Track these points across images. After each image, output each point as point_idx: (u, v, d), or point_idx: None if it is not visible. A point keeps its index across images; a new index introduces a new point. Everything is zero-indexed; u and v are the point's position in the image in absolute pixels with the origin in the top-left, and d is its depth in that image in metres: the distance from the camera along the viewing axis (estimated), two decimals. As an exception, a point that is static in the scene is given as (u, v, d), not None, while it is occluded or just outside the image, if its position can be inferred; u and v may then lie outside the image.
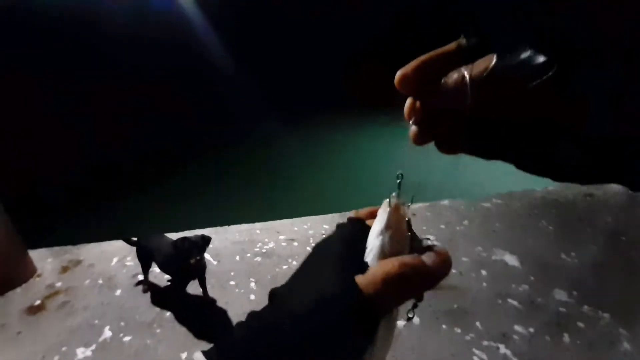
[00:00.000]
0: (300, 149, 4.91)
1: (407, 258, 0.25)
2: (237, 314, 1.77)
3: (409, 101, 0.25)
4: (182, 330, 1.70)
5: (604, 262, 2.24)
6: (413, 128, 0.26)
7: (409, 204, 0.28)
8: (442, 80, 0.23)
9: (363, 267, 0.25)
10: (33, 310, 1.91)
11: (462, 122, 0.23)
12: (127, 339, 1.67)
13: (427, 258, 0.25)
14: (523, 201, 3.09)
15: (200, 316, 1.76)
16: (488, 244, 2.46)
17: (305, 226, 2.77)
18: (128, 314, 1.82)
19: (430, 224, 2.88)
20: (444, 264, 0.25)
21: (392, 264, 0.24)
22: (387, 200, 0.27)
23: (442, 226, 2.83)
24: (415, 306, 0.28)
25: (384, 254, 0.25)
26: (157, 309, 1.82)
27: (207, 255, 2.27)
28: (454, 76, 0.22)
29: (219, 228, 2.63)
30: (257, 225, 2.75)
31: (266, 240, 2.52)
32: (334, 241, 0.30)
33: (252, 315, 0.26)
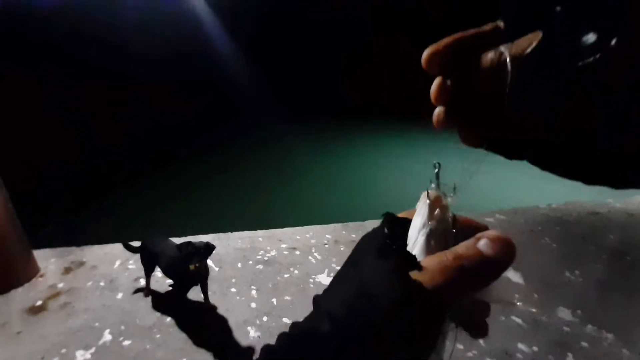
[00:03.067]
0: (305, 158, 4.95)
1: (460, 249, 0.22)
2: (237, 321, 1.77)
3: (437, 80, 0.23)
4: (182, 336, 1.70)
5: (608, 281, 2.21)
6: (438, 110, 0.24)
7: (452, 194, 0.25)
8: (477, 61, 0.21)
9: (409, 262, 0.23)
10: (34, 310, 1.91)
11: (497, 107, 0.20)
12: (126, 342, 1.67)
13: (485, 247, 0.22)
14: (527, 217, 3.08)
15: (201, 322, 1.75)
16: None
17: (307, 235, 2.77)
18: (128, 318, 1.82)
19: (432, 237, 2.86)
20: (506, 251, 0.22)
21: (445, 257, 0.22)
22: (426, 192, 0.25)
23: (445, 240, 2.81)
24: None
25: (430, 250, 0.23)
26: (158, 314, 1.82)
27: (209, 262, 2.27)
28: (490, 55, 0.20)
29: (221, 234, 2.63)
30: (259, 232, 2.76)
31: (268, 248, 2.52)
32: (374, 238, 0.27)
33: (293, 324, 0.26)
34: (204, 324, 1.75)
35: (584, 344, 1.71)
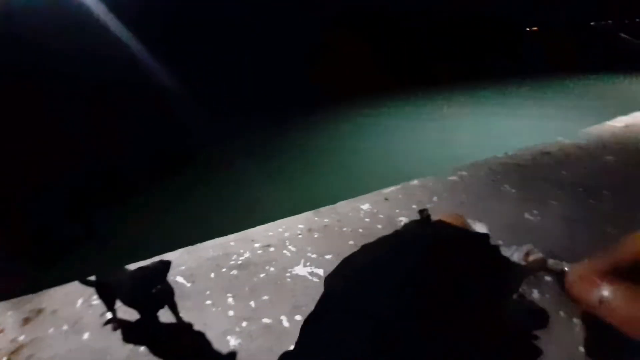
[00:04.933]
0: (266, 151, 4.81)
1: None
2: (215, 334, 1.71)
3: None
4: (160, 362, 1.62)
5: (565, 215, 2.36)
6: None
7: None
8: None
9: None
10: (-5, 371, 1.75)
11: None
12: (101, 383, 1.57)
13: None
14: (486, 169, 3.20)
15: (177, 344, 1.68)
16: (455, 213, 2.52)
17: (280, 229, 2.72)
18: (99, 356, 1.70)
19: (402, 206, 2.91)
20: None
21: None
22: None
23: (414, 206, 2.87)
24: None
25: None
26: (130, 346, 1.72)
27: (180, 278, 2.17)
28: None
29: (190, 247, 2.52)
30: (231, 236, 2.66)
31: (241, 251, 2.45)
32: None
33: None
34: (181, 344, 1.67)
35: (548, 279, 1.82)
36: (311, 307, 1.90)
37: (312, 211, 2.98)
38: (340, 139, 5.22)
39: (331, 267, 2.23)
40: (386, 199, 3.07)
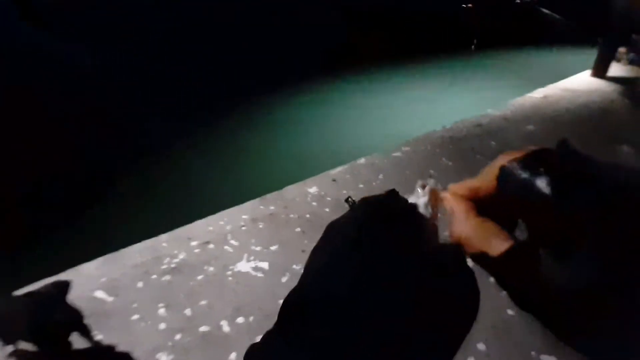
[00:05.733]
0: (202, 144, 4.39)
1: None
2: (144, 352, 1.52)
3: None
4: (77, 394, 1.39)
5: (494, 184, 2.53)
6: None
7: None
8: None
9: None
10: None
11: None
12: None
13: None
14: (426, 143, 3.30)
15: (96, 371, 1.46)
16: (401, 191, 2.56)
17: (221, 222, 2.51)
18: (-4, 402, 1.41)
19: (349, 186, 2.89)
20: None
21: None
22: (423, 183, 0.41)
23: (361, 185, 2.86)
24: None
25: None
26: (36, 382, 1.45)
27: (99, 293, 1.88)
28: None
29: (112, 254, 2.18)
30: (163, 236, 2.38)
31: (175, 252, 2.20)
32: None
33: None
34: (101, 371, 1.45)
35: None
36: (254, 306, 1.79)
37: (258, 199, 2.80)
38: (278, 124, 5.03)
39: (276, 259, 2.13)
40: (334, 180, 3.01)
